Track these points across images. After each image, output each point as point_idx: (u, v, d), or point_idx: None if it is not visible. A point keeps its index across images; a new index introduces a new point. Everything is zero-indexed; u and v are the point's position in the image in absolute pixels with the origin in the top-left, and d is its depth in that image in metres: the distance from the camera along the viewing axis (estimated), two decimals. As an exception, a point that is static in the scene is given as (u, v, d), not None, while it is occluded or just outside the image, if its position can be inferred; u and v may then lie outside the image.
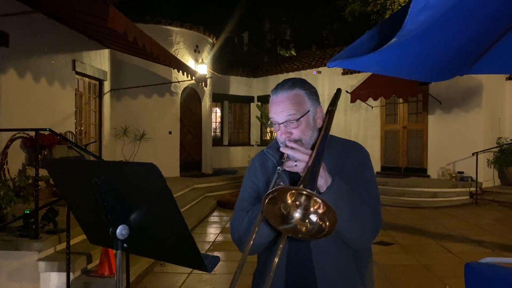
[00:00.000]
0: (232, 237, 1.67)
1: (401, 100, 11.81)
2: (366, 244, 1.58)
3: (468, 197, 10.00)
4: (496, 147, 10.55)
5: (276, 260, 1.32)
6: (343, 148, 1.63)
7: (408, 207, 9.43)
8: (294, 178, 1.52)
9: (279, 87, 1.59)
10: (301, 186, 1.24)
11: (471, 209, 9.26)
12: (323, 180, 1.39)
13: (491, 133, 10.67)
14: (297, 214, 1.29)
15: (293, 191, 1.27)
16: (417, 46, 1.41)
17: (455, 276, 4.74)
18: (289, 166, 1.42)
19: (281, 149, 1.47)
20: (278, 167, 1.43)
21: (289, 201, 1.29)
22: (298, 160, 1.40)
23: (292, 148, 1.42)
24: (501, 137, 10.73)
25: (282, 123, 1.55)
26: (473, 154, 9.99)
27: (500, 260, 2.72)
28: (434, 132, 11.25)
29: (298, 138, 1.53)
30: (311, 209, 1.27)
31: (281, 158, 1.46)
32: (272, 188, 1.35)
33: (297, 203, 1.29)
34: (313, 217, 1.28)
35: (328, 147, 1.50)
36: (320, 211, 1.25)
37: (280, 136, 1.57)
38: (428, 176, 11.30)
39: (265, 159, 1.70)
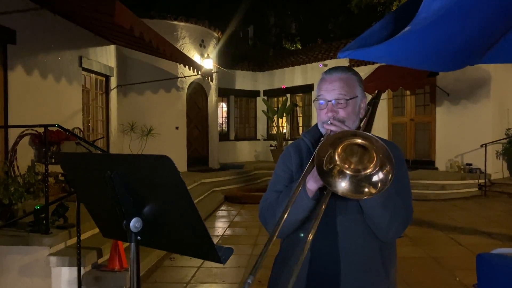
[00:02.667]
0: (260, 213, 1.67)
1: (408, 92, 11.73)
2: (394, 236, 1.57)
3: (477, 189, 9.95)
4: (505, 138, 10.47)
5: (310, 237, 1.32)
6: None
7: (416, 200, 9.36)
8: None
9: (333, 68, 1.64)
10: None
11: (480, 201, 9.21)
12: None
13: (500, 124, 10.58)
14: (352, 161, 1.33)
15: (353, 139, 1.30)
16: (429, 35, 1.40)
17: (465, 268, 4.72)
18: None
19: (325, 126, 1.50)
20: (322, 138, 1.46)
21: (341, 156, 1.32)
22: None
23: (336, 126, 1.45)
24: (510, 128, 10.64)
25: (331, 100, 1.57)
26: (481, 145, 9.92)
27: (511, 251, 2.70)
28: (442, 124, 11.17)
29: (342, 119, 1.55)
30: (372, 170, 1.30)
31: (317, 143, 1.46)
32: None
33: (349, 160, 1.32)
34: (382, 175, 1.29)
35: None
36: (381, 155, 1.27)
37: (325, 114, 1.58)
38: (436, 169, 11.25)
39: (300, 145, 1.72)
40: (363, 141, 1.27)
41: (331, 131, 1.45)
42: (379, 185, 1.27)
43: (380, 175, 1.27)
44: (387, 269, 1.58)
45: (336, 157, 1.31)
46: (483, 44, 1.98)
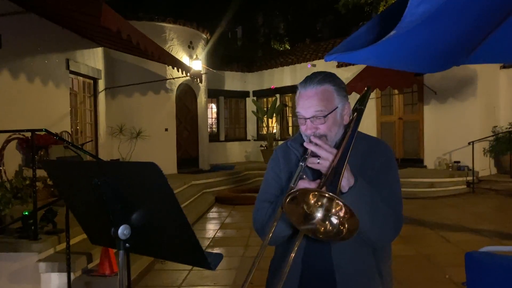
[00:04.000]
0: (254, 226, 1.66)
1: (396, 91, 11.82)
2: (385, 244, 1.58)
3: (465, 186, 10.05)
4: (492, 135, 10.59)
5: (293, 255, 1.34)
6: (368, 145, 1.61)
7: (405, 198, 9.18)
8: (317, 174, 1.47)
9: (308, 80, 1.55)
10: (323, 188, 1.24)
11: (468, 198, 9.30)
12: (346, 180, 1.37)
13: (487, 122, 10.71)
14: (318, 215, 1.28)
15: (316, 192, 1.26)
16: (415, 37, 1.41)
17: (455, 265, 4.76)
18: (312, 162, 1.40)
19: (305, 144, 1.44)
20: (301, 163, 1.42)
21: (311, 201, 1.28)
22: (321, 157, 1.38)
23: (316, 144, 1.40)
24: (497, 126, 10.77)
25: (308, 118, 1.52)
26: (469, 143, 10.02)
27: (500, 249, 2.74)
28: (430, 122, 11.27)
29: (323, 134, 1.50)
30: (333, 211, 1.26)
31: (305, 153, 1.44)
32: (295, 182, 1.36)
33: (319, 203, 1.28)
34: (334, 220, 1.27)
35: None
36: (342, 214, 1.24)
37: (305, 130, 1.54)
38: (425, 167, 11.34)
39: (288, 151, 1.68)
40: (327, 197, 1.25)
41: (311, 150, 1.42)
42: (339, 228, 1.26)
43: (341, 223, 1.26)
44: (381, 269, 1.59)
45: (311, 202, 1.29)
46: (468, 45, 2.01)
